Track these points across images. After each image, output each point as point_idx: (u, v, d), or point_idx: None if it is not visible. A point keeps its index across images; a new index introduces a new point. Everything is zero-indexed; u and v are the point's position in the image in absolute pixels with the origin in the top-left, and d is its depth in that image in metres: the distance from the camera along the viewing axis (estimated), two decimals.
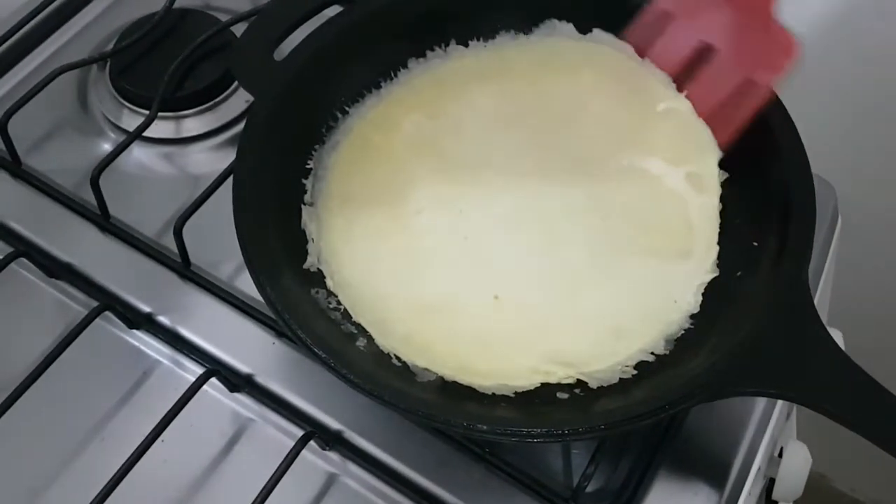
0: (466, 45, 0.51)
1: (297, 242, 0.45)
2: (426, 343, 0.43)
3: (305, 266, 0.44)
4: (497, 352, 0.43)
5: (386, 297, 0.44)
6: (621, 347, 0.43)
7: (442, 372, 0.42)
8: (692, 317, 0.44)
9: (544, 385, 0.42)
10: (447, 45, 0.51)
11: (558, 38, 0.51)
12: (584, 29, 0.51)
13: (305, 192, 0.46)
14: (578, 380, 0.42)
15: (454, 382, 0.42)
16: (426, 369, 0.42)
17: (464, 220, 0.46)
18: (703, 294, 0.44)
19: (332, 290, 0.44)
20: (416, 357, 0.42)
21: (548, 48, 0.50)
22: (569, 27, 0.51)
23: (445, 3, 0.50)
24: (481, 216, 0.46)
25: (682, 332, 0.43)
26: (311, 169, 0.47)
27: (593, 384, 0.42)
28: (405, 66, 0.50)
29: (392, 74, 0.50)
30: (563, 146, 0.49)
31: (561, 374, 0.42)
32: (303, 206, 0.46)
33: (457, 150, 0.48)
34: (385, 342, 0.42)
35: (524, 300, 0.44)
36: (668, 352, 0.43)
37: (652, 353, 0.43)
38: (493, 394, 0.41)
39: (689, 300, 0.44)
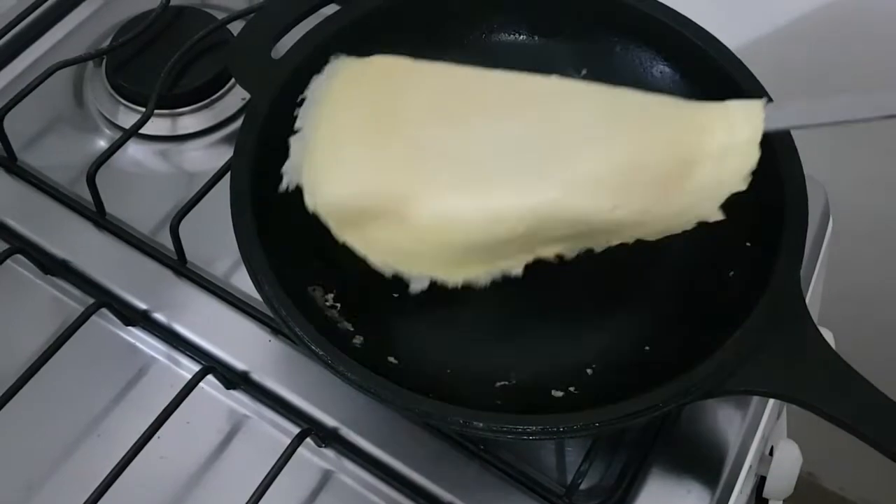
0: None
1: (295, 239, 0.45)
2: (416, 250, 0.42)
3: (281, 188, 0.42)
4: (493, 250, 0.42)
5: (374, 209, 0.42)
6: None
7: (435, 275, 0.42)
8: (680, 319, 0.44)
9: (540, 381, 0.42)
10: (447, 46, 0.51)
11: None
12: None
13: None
14: (573, 378, 0.42)
15: (449, 372, 0.42)
16: (420, 276, 0.42)
17: (463, 131, 0.43)
18: (695, 294, 0.45)
19: (312, 210, 0.42)
20: (409, 266, 0.42)
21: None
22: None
23: (445, 4, 0.50)
24: (483, 126, 0.43)
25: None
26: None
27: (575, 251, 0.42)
28: None
29: None
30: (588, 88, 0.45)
31: (550, 252, 0.42)
32: (290, 138, 0.43)
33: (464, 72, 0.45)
34: (375, 259, 0.42)
35: (521, 195, 0.42)
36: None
37: (648, 348, 0.43)
38: (490, 390, 0.41)
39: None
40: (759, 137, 0.41)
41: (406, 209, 0.41)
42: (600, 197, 0.41)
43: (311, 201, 0.42)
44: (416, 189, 0.42)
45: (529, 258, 0.43)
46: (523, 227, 0.42)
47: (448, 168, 0.42)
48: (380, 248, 0.42)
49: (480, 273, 0.42)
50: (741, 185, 0.41)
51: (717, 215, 0.41)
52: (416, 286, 0.42)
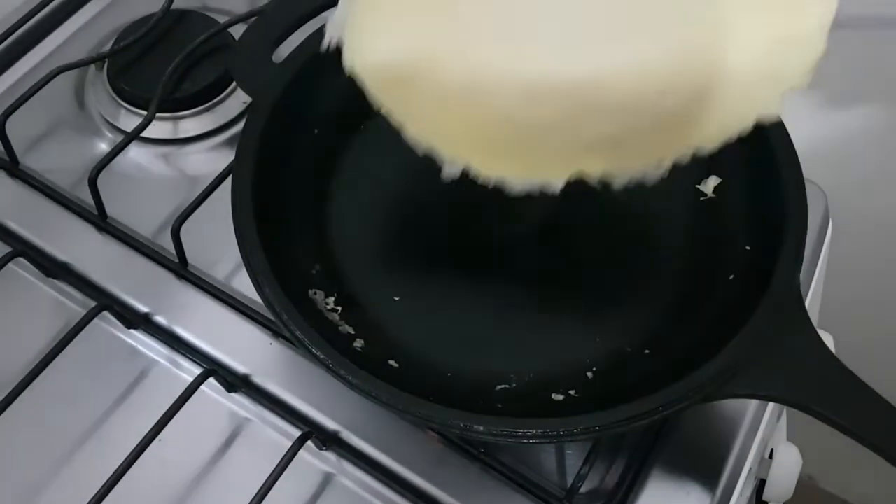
0: None
1: (296, 242, 0.45)
2: (454, 131, 0.40)
3: (322, 47, 0.40)
4: (532, 140, 0.40)
5: (413, 70, 0.39)
6: (661, 137, 0.39)
7: (470, 162, 0.39)
8: (680, 321, 0.44)
9: (540, 384, 0.42)
10: None
11: None
12: None
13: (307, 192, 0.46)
14: (574, 382, 0.42)
15: (450, 375, 0.42)
16: (454, 159, 0.39)
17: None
18: (695, 298, 0.45)
19: (349, 70, 0.39)
20: (443, 142, 0.39)
21: None
22: None
23: None
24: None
25: None
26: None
27: (621, 180, 0.39)
28: None
29: None
30: None
31: (596, 165, 0.39)
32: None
33: None
34: (412, 129, 0.39)
35: (562, 65, 0.39)
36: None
37: (648, 351, 0.43)
38: (491, 393, 0.41)
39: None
40: (828, 25, 0.39)
41: (444, 72, 0.39)
42: (648, 78, 0.38)
43: (350, 59, 0.40)
44: (455, 49, 0.39)
45: (571, 170, 0.39)
46: (562, 110, 0.39)
47: (492, 32, 0.40)
48: (417, 116, 0.40)
49: (517, 172, 0.39)
50: (802, 80, 0.39)
51: (777, 109, 0.39)
52: (449, 171, 0.39)
